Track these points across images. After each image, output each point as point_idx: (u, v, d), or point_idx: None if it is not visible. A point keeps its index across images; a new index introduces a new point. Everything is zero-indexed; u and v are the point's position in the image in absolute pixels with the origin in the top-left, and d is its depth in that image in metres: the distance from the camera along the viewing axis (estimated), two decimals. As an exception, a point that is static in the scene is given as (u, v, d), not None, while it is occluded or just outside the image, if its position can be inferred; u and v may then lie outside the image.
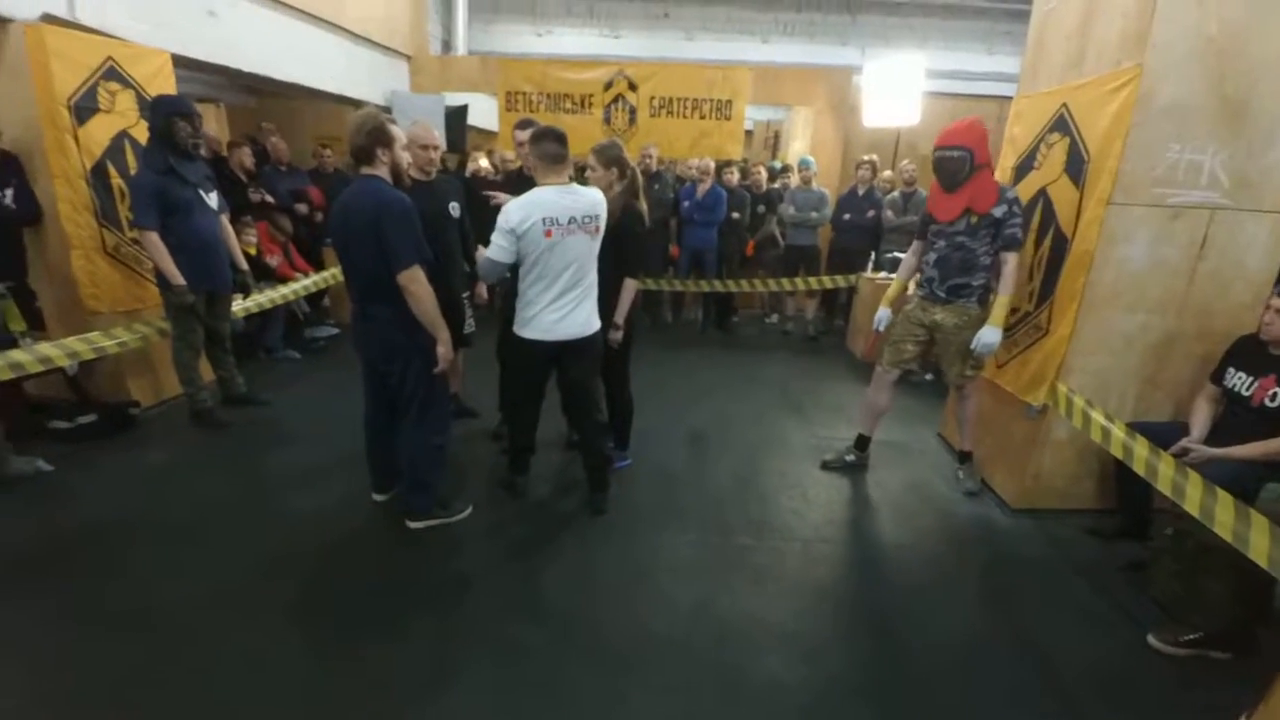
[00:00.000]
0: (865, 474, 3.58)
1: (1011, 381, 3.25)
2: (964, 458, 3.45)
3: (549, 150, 2.63)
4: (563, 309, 2.71)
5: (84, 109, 3.49)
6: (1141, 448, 2.42)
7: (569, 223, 2.60)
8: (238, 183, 4.95)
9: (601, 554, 2.77)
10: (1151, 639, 2.30)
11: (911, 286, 3.51)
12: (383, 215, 2.39)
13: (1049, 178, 3.07)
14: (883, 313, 3.48)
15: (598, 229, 2.69)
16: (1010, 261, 2.98)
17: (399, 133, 2.58)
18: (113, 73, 3.63)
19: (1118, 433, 2.56)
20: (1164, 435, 2.55)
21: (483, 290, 3.71)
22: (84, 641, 2.16)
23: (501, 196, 2.94)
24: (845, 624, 2.42)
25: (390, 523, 2.92)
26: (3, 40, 3.26)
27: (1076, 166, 2.87)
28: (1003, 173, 3.48)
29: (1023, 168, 3.31)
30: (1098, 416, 2.68)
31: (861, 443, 3.62)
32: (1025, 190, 3.22)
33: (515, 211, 2.57)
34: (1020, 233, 2.97)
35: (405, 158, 2.69)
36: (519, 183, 3.36)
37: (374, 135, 2.46)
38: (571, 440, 3.55)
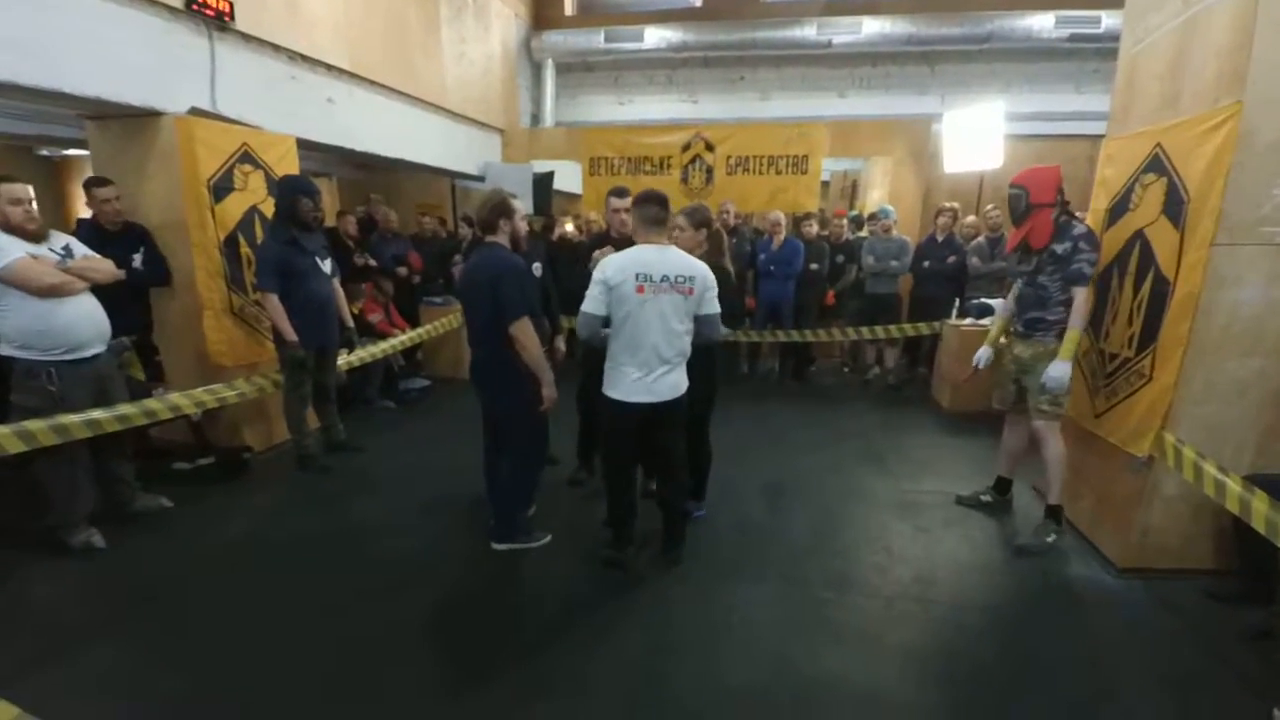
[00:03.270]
0: (953, 528, 3.41)
1: (1113, 431, 3.05)
2: (1048, 512, 3.23)
3: (650, 213, 2.72)
4: (654, 370, 2.70)
5: (221, 189, 3.98)
6: (1261, 503, 2.20)
7: (661, 280, 2.63)
8: (348, 249, 5.44)
9: (677, 604, 2.75)
10: (1278, 714, 2.05)
11: None
12: (500, 275, 2.78)
13: (1146, 219, 2.94)
14: (983, 351, 3.49)
15: (690, 290, 2.67)
16: (1078, 295, 3.01)
17: (519, 206, 3.03)
18: (247, 157, 4.13)
19: (1233, 486, 2.34)
20: (1291, 490, 2.31)
21: (560, 343, 3.88)
22: (189, 656, 2.36)
23: (600, 253, 3.18)
24: (934, 689, 2.27)
25: (467, 567, 3.03)
26: (156, 131, 3.78)
27: (1175, 208, 2.74)
28: (1095, 215, 3.36)
29: (1117, 210, 3.18)
30: (1210, 469, 2.46)
31: (1001, 485, 3.66)
32: (1121, 233, 3.10)
33: (612, 265, 2.66)
34: (1086, 268, 2.98)
35: (523, 228, 3.13)
36: (600, 242, 3.61)
37: (498, 209, 2.91)
38: (648, 490, 3.57)
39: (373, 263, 5.66)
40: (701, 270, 2.73)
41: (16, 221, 2.84)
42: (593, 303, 2.67)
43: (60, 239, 3.07)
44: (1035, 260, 3.14)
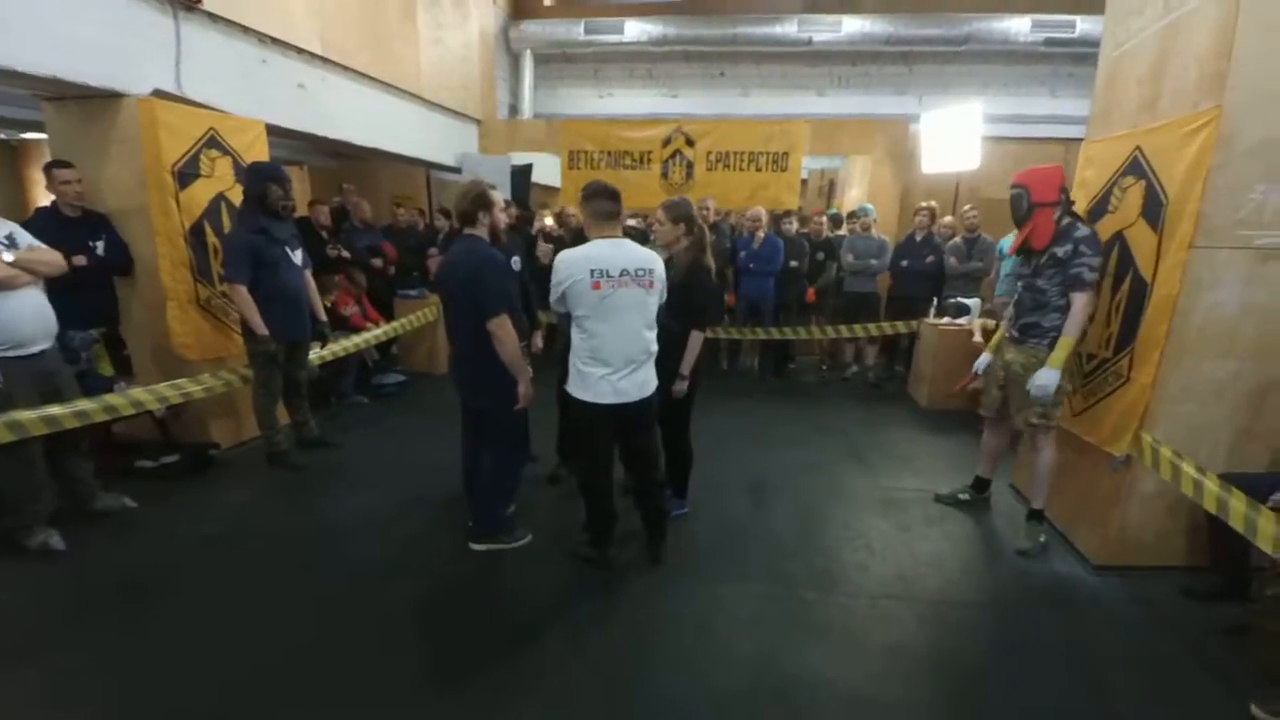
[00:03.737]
0: (933, 527, 3.43)
1: (1090, 431, 3.08)
2: (1031, 515, 3.26)
3: (601, 208, 2.65)
4: (620, 369, 2.61)
5: (187, 174, 3.83)
6: (1239, 501, 2.24)
7: (620, 274, 2.54)
8: (320, 239, 5.29)
9: (660, 604, 2.71)
10: (1255, 709, 2.10)
11: None
12: (479, 269, 2.68)
13: (1125, 222, 2.97)
14: (984, 358, 3.47)
15: (652, 283, 2.62)
16: (1076, 301, 2.91)
17: (498, 198, 2.91)
18: (213, 142, 3.98)
19: (1211, 485, 2.38)
20: (1261, 488, 2.35)
21: (538, 339, 3.82)
22: (152, 661, 2.26)
23: (543, 247, 3.08)
24: (918, 688, 2.27)
25: (446, 568, 2.96)
26: (117, 113, 3.61)
27: (1154, 210, 2.77)
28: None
29: (1096, 212, 3.21)
30: (1188, 468, 2.50)
31: (979, 484, 3.66)
32: (1099, 234, 3.12)
33: (561, 264, 2.59)
34: (1087, 273, 2.86)
35: (503, 220, 3.00)
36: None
37: (477, 201, 2.80)
38: (629, 486, 3.53)
39: (345, 254, 5.52)
40: (658, 262, 2.69)
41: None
42: (557, 302, 2.65)
43: (3, 227, 2.89)
44: (1034, 263, 3.07)
